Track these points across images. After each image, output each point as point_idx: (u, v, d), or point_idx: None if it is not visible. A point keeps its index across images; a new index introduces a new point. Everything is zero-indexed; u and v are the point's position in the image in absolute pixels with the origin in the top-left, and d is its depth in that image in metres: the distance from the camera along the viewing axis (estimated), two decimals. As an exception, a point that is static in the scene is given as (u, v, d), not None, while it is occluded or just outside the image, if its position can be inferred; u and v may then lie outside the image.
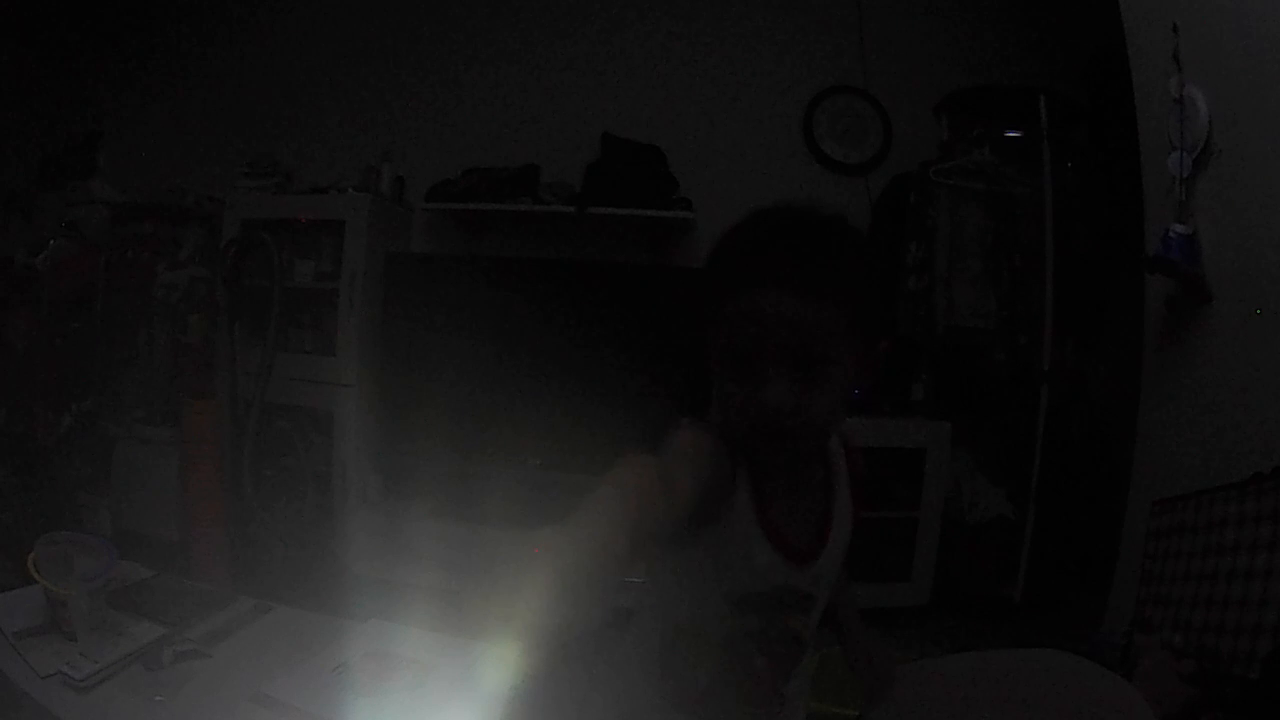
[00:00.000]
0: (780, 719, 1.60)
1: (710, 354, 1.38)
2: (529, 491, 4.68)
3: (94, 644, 2.27)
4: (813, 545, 1.50)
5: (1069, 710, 2.06)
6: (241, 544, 4.86)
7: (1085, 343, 4.98)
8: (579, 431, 4.55)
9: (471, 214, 5.41)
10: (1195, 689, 2.74)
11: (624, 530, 1.00)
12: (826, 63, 5.64)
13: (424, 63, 5.82)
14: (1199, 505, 3.04)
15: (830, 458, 1.57)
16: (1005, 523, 4.90)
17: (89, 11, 5.83)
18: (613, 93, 5.66)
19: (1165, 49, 3.16)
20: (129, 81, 5.97)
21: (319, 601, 3.42)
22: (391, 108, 5.79)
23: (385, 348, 5.17)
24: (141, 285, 5.34)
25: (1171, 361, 3.46)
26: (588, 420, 4.36)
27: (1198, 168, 3.13)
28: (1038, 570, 4.83)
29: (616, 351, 4.59)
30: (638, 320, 4.68)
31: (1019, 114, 4.98)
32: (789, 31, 5.65)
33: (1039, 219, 4.83)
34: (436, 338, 5.00)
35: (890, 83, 5.59)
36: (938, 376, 5.10)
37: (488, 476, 4.86)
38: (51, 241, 5.39)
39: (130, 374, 5.36)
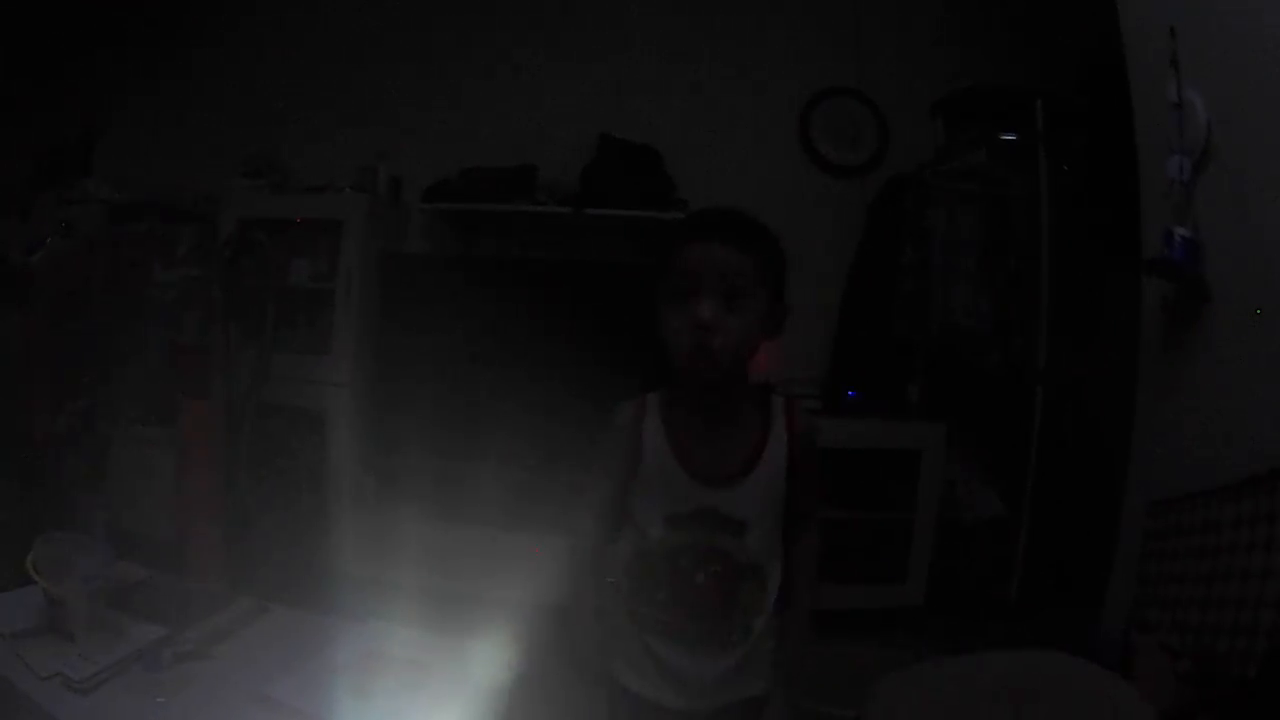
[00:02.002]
0: (739, 652, 1.98)
1: (660, 303, 1.93)
2: (525, 493, 4.69)
3: (93, 645, 2.25)
4: (732, 474, 1.94)
5: (1068, 710, 2.07)
6: (237, 544, 4.86)
7: (1080, 344, 4.98)
8: (575, 432, 4.56)
9: (468, 214, 5.43)
10: (1192, 689, 2.75)
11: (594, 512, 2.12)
12: (823, 65, 5.66)
13: (421, 63, 5.84)
14: (1195, 506, 3.05)
15: (771, 409, 2.03)
16: (1000, 524, 4.91)
17: (85, 10, 5.83)
18: (610, 94, 5.68)
19: (1163, 52, 3.17)
20: (125, 80, 5.98)
21: (315, 602, 3.43)
22: (388, 107, 5.79)
23: (381, 348, 5.17)
24: (138, 284, 5.35)
25: (1167, 363, 3.47)
26: (583, 421, 4.36)
27: (1196, 170, 3.14)
28: (1033, 571, 4.85)
29: (613, 353, 4.58)
30: (634, 321, 4.66)
31: (1015, 117, 4.99)
32: (786, 33, 5.67)
33: (1035, 221, 4.84)
34: (432, 338, 4.99)
35: (887, 85, 5.60)
36: (933, 378, 5.11)
37: (483, 478, 4.87)
38: (47, 240, 5.39)
39: (126, 373, 5.35)
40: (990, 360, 4.99)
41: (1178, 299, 3.29)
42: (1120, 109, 3.77)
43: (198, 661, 2.29)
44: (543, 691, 2.55)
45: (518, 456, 4.80)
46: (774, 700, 2.08)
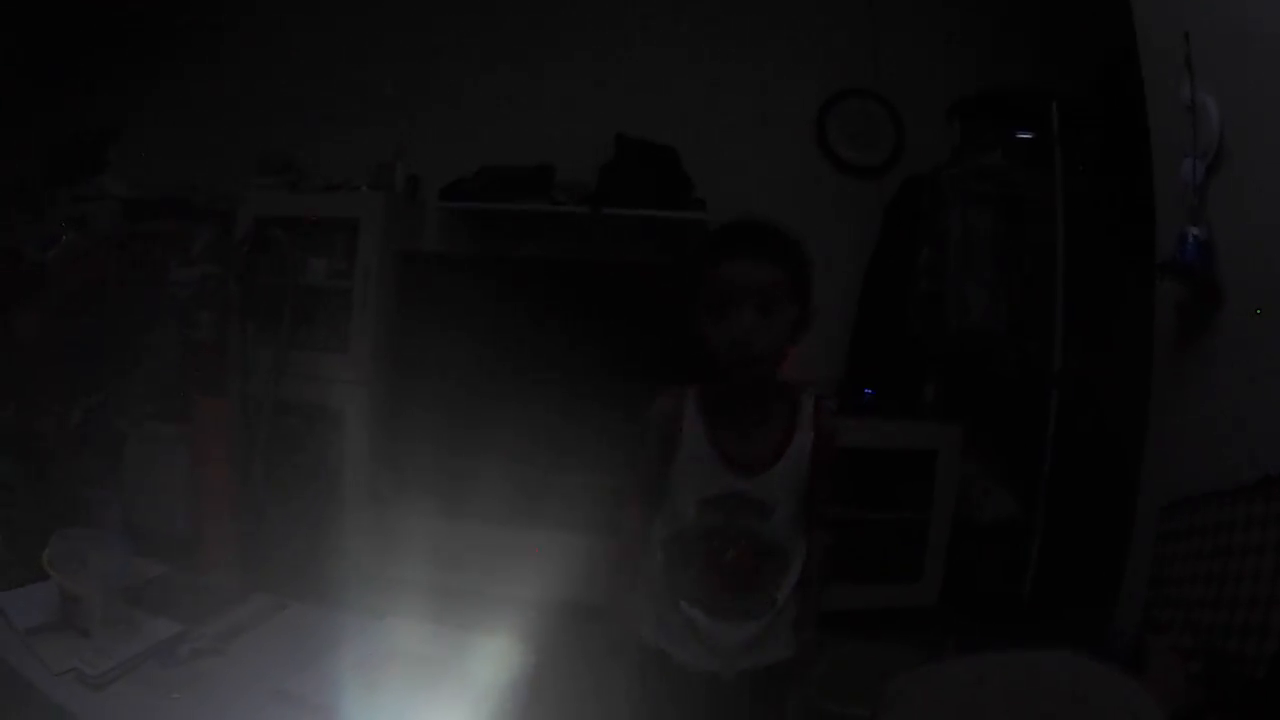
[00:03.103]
0: (764, 621, 2.26)
1: (699, 310, 2.12)
2: (542, 491, 4.70)
3: (108, 640, 2.26)
4: (763, 463, 2.16)
5: (1079, 710, 2.07)
6: (252, 541, 4.87)
7: (1095, 346, 4.98)
8: (590, 432, 4.56)
9: (485, 213, 5.42)
10: (1202, 689, 2.75)
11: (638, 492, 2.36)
12: (839, 65, 5.65)
13: (438, 61, 5.84)
14: (1208, 507, 3.05)
15: (799, 406, 2.24)
16: (1015, 524, 4.91)
17: (101, 7, 5.84)
18: (627, 93, 5.67)
19: (1177, 55, 3.17)
20: (142, 77, 5.97)
21: (330, 598, 3.43)
22: (406, 106, 5.78)
23: (398, 346, 5.17)
24: (153, 281, 5.35)
25: (1181, 364, 3.47)
26: (601, 420, 4.36)
27: (1209, 173, 3.14)
28: (1046, 572, 4.84)
29: (630, 352, 4.58)
30: (652, 321, 4.66)
31: (1031, 118, 4.99)
32: (803, 34, 5.66)
33: (1050, 222, 4.84)
34: (449, 336, 4.98)
35: (903, 86, 5.60)
36: (948, 379, 5.11)
37: (499, 476, 4.87)
38: (62, 237, 5.40)
39: (141, 370, 5.36)
40: (1005, 361, 4.99)
41: (1191, 300, 3.29)
42: (1135, 111, 3.77)
43: (213, 657, 2.30)
44: (563, 681, 2.72)
45: (532, 455, 4.82)
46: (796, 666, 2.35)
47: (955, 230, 4.95)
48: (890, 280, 5.27)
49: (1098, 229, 4.93)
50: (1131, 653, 3.23)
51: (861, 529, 4.82)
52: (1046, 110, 4.87)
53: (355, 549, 4.82)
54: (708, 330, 2.11)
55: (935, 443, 4.84)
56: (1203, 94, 3.07)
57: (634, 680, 2.41)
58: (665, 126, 5.44)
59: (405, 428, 5.10)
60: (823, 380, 5.10)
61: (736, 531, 2.19)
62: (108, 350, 5.39)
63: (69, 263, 5.35)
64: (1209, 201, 3.14)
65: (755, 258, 2.09)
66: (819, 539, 2.35)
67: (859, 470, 4.83)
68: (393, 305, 5.18)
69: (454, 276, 5.19)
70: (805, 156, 5.66)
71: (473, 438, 4.91)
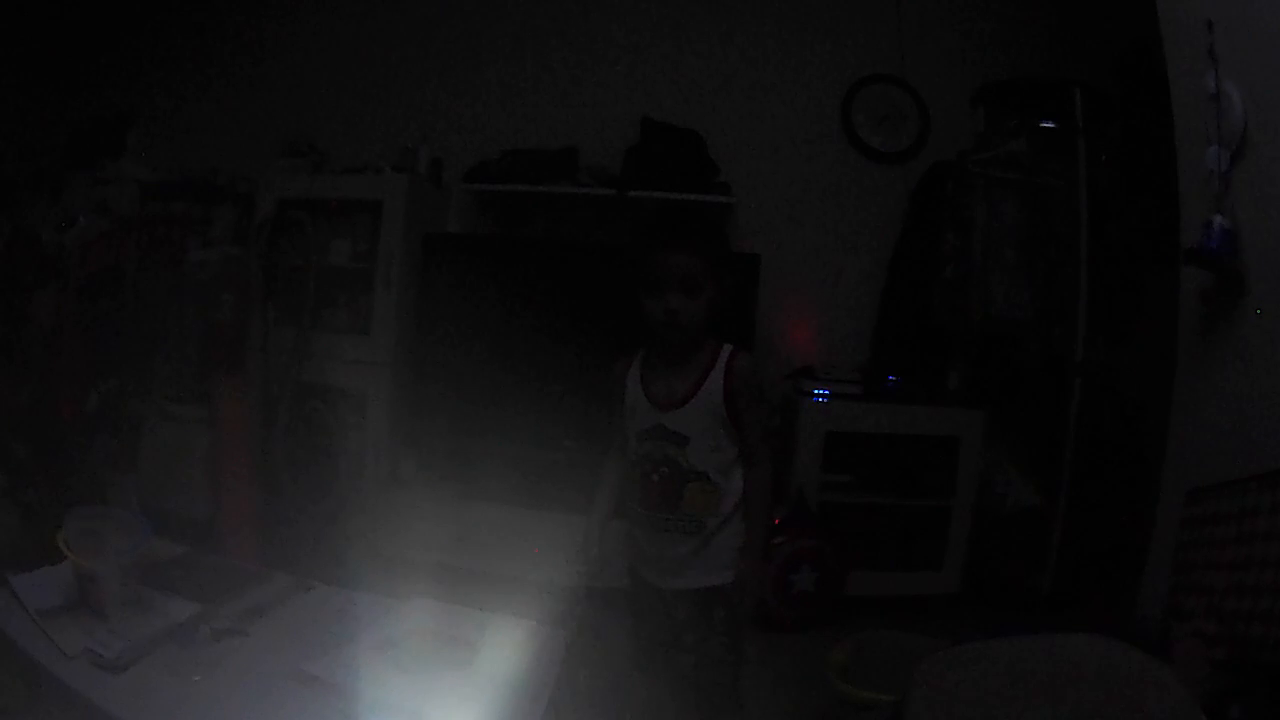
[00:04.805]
0: (693, 541, 2.71)
1: (640, 290, 2.64)
2: (565, 472, 4.70)
3: (125, 622, 2.21)
4: (682, 400, 2.67)
5: (1107, 692, 2.06)
6: (273, 523, 4.86)
7: (1119, 335, 4.97)
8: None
9: (509, 196, 5.42)
10: (1227, 675, 2.74)
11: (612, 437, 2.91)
12: (865, 51, 5.65)
13: (463, 44, 5.83)
14: (1232, 494, 3.04)
15: (717, 356, 2.71)
16: (1037, 513, 4.90)
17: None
18: (652, 77, 5.69)
19: (1200, 43, 3.16)
20: (162, 61, 5.97)
21: (351, 580, 3.42)
22: (429, 89, 5.80)
23: (420, 328, 5.20)
24: (172, 263, 5.35)
25: (1205, 352, 3.46)
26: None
27: (1234, 161, 3.13)
28: (1068, 561, 4.84)
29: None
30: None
31: (1055, 106, 4.97)
32: (828, 19, 5.66)
33: (1073, 211, 4.83)
34: (472, 319, 5.02)
35: (928, 72, 5.60)
36: (972, 366, 5.10)
37: (522, 458, 4.92)
38: (80, 219, 5.40)
39: (160, 353, 5.36)
40: (1029, 350, 4.99)
41: (1215, 289, 3.28)
42: (1158, 99, 3.76)
43: (234, 638, 2.25)
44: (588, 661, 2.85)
45: (555, 437, 4.85)
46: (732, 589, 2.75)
47: (980, 217, 4.95)
48: (915, 267, 5.28)
49: (1121, 217, 4.93)
50: (1155, 640, 3.22)
51: (884, 515, 4.86)
52: (1070, 99, 4.86)
53: (376, 531, 4.82)
54: (646, 305, 2.64)
55: (958, 429, 4.84)
56: (1226, 83, 3.06)
57: (627, 595, 3.01)
58: (691, 110, 5.48)
59: (427, 410, 5.12)
60: (848, 365, 5.13)
61: (662, 457, 2.68)
62: (126, 333, 5.39)
63: (87, 246, 5.35)
64: (1233, 190, 3.13)
65: (680, 248, 2.62)
66: (755, 475, 2.76)
67: (882, 456, 4.88)
68: (415, 287, 5.20)
69: (477, 259, 5.21)
70: (831, 141, 5.66)
71: (495, 420, 4.95)
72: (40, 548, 2.46)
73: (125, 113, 5.83)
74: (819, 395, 4.87)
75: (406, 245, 5.13)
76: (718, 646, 2.78)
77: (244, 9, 5.97)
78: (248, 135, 5.70)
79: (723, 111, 5.58)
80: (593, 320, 4.79)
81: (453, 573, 4.00)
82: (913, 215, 5.42)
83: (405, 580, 3.21)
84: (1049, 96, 5.03)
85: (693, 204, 5.08)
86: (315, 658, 2.17)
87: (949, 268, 5.04)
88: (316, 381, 5.13)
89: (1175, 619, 3.24)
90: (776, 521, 4.47)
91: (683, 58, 5.68)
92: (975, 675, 2.19)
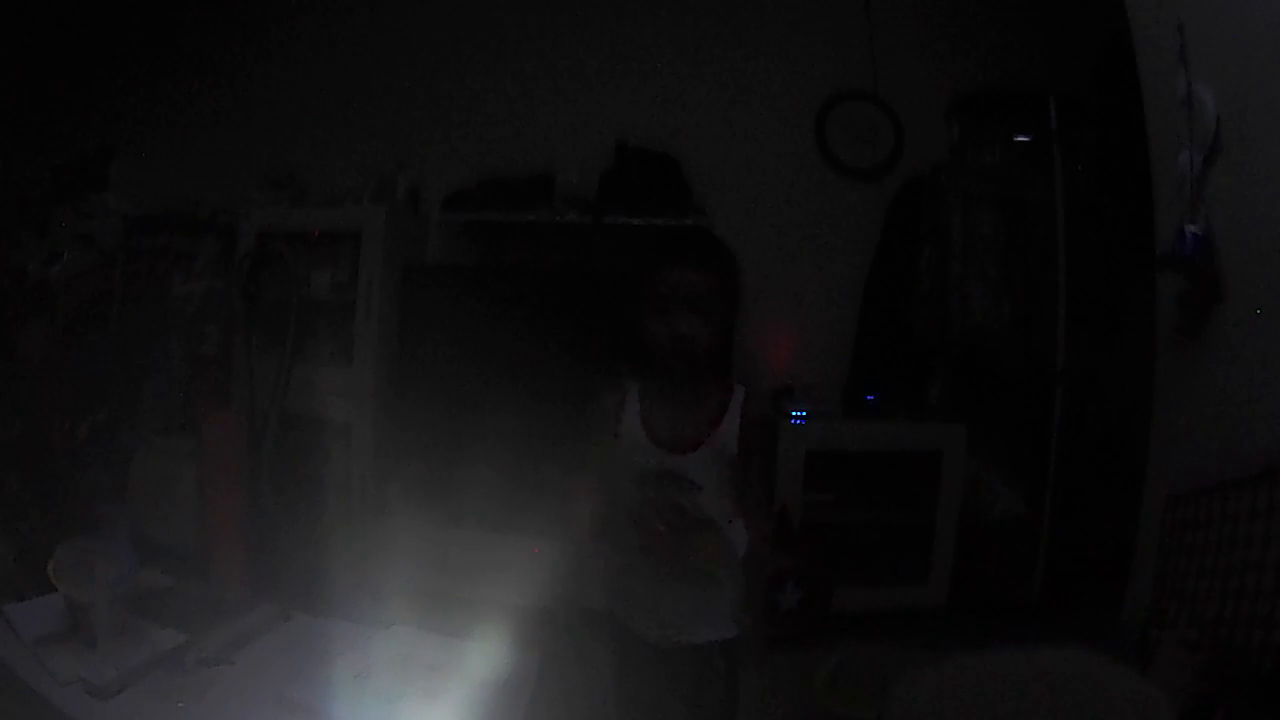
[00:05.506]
0: (699, 593, 2.48)
1: (640, 313, 2.36)
2: (548, 499, 4.70)
3: (115, 650, 2.25)
4: (692, 444, 2.40)
5: (1087, 707, 2.06)
6: (260, 553, 4.88)
7: (1099, 342, 4.98)
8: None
9: (487, 225, 5.46)
10: (1210, 682, 2.75)
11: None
12: (837, 68, 5.63)
13: (437, 73, 5.83)
14: (1214, 499, 3.06)
15: (732, 396, 2.45)
16: (1022, 523, 4.91)
17: (102, 23, 5.86)
18: (625, 101, 5.67)
19: (1171, 46, 3.18)
20: (142, 94, 5.99)
21: (337, 609, 3.43)
22: (405, 118, 5.79)
23: (402, 358, 5.19)
24: (157, 296, 5.37)
25: (1184, 358, 3.47)
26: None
27: (1206, 164, 3.15)
28: (1054, 571, 4.85)
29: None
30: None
31: (1029, 116, 4.99)
32: (800, 37, 5.65)
33: (1050, 220, 4.85)
34: (453, 348, 5.03)
35: (901, 87, 5.57)
36: (952, 379, 5.11)
37: (505, 486, 4.90)
38: (65, 254, 5.42)
39: (147, 385, 5.37)
40: (1009, 360, 5.00)
41: (1192, 294, 3.30)
42: (1132, 105, 3.78)
43: (220, 667, 2.29)
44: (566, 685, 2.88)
45: (542, 463, 4.83)
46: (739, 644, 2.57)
47: (956, 229, 4.97)
48: (892, 282, 5.27)
49: (1098, 225, 4.94)
50: (1139, 647, 3.23)
51: (868, 531, 4.86)
52: (1044, 108, 4.88)
53: (361, 559, 4.82)
54: (650, 328, 2.36)
55: (940, 444, 4.84)
56: (1199, 86, 3.08)
57: (605, 647, 2.70)
58: (664, 132, 5.47)
59: (410, 439, 5.11)
60: (826, 383, 5.14)
61: (666, 504, 2.38)
62: (113, 365, 5.41)
63: (73, 279, 5.37)
64: (1207, 194, 3.15)
65: (692, 265, 2.34)
66: (753, 531, 2.50)
67: (864, 473, 4.88)
68: (396, 317, 5.19)
69: (456, 288, 5.21)
70: (805, 159, 5.64)
71: (477, 448, 4.91)
72: (35, 577, 2.48)
73: (106, 146, 5.86)
74: (797, 417, 4.88)
75: (386, 274, 5.13)
76: (715, 700, 2.59)
77: (219, 41, 5.97)
78: (227, 166, 5.71)
79: (696, 132, 5.58)
80: (574, 346, 4.78)
81: (435, 599, 4.02)
82: (889, 231, 5.40)
83: (389, 608, 3.23)
84: (1023, 106, 5.04)
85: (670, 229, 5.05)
86: (298, 685, 2.21)
87: (926, 281, 5.05)
88: (300, 412, 5.13)
89: (1158, 626, 3.25)
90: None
91: (656, 80, 5.68)
92: (952, 691, 2.20)
